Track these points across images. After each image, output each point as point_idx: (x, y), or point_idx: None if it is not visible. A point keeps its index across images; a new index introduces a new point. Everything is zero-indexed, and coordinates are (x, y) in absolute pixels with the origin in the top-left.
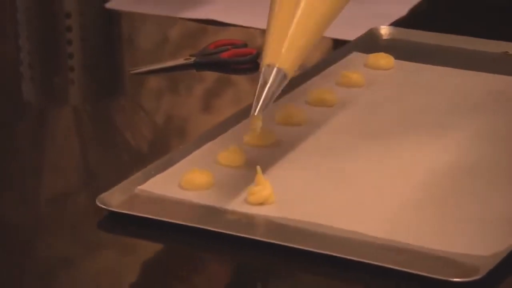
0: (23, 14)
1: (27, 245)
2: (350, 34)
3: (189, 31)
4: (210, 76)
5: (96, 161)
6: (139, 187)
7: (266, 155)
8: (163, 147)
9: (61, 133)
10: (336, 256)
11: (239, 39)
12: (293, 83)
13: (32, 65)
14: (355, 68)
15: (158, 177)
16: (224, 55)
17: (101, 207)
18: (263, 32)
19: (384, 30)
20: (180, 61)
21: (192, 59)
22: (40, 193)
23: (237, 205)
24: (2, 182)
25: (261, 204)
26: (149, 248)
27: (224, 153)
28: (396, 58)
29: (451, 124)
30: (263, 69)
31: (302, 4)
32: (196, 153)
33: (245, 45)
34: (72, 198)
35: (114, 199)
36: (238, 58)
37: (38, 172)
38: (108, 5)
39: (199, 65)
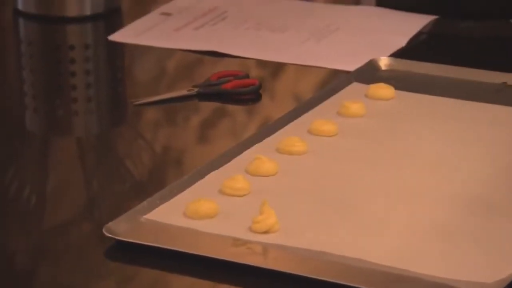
0: (27, 46)
1: (32, 274)
2: (350, 65)
3: (191, 62)
4: (213, 107)
5: (99, 191)
6: (145, 216)
7: (270, 184)
8: (166, 177)
9: (64, 164)
10: (341, 284)
11: (241, 70)
12: (295, 113)
13: (36, 96)
14: (356, 98)
15: (163, 207)
16: (227, 86)
17: (108, 236)
18: (264, 63)
19: (384, 61)
20: (183, 92)
21: (195, 90)
22: (43, 222)
23: (242, 233)
24: (6, 211)
25: (266, 232)
26: (155, 277)
27: (228, 182)
28: (396, 88)
29: (452, 154)
30: None
31: None
32: (201, 182)
33: (247, 76)
34: (76, 227)
35: (120, 228)
36: (240, 89)
37: (41, 202)
38: (111, 38)
39: (202, 96)
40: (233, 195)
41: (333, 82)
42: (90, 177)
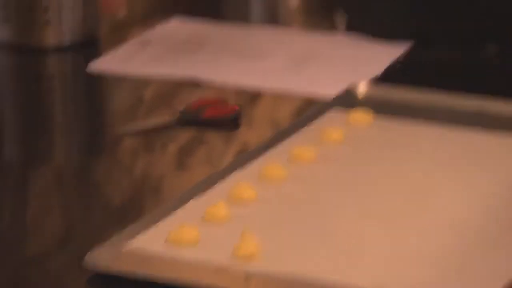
0: (3, 77)
1: None
2: (329, 91)
3: (171, 90)
4: (192, 135)
5: (78, 220)
6: (126, 244)
7: (251, 210)
8: (146, 205)
9: (42, 194)
10: None
11: (220, 98)
12: (274, 140)
13: (14, 127)
14: (335, 124)
15: (145, 235)
16: (206, 114)
17: (88, 267)
18: (243, 90)
19: (362, 87)
20: (164, 119)
21: (175, 117)
22: (21, 253)
23: (224, 260)
24: None
25: (247, 259)
26: None
27: (210, 209)
28: (375, 114)
29: (432, 180)
30: None
31: None
32: (182, 209)
33: (226, 104)
34: (55, 257)
35: (101, 259)
36: (219, 117)
37: (20, 232)
38: (90, 67)
39: (182, 123)
40: (215, 222)
41: (311, 108)
42: (68, 206)
